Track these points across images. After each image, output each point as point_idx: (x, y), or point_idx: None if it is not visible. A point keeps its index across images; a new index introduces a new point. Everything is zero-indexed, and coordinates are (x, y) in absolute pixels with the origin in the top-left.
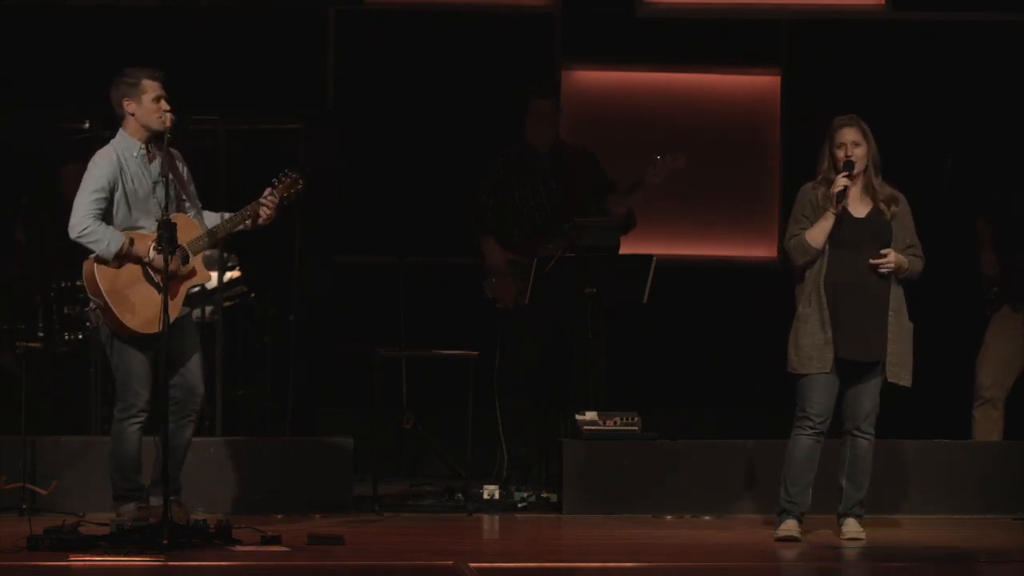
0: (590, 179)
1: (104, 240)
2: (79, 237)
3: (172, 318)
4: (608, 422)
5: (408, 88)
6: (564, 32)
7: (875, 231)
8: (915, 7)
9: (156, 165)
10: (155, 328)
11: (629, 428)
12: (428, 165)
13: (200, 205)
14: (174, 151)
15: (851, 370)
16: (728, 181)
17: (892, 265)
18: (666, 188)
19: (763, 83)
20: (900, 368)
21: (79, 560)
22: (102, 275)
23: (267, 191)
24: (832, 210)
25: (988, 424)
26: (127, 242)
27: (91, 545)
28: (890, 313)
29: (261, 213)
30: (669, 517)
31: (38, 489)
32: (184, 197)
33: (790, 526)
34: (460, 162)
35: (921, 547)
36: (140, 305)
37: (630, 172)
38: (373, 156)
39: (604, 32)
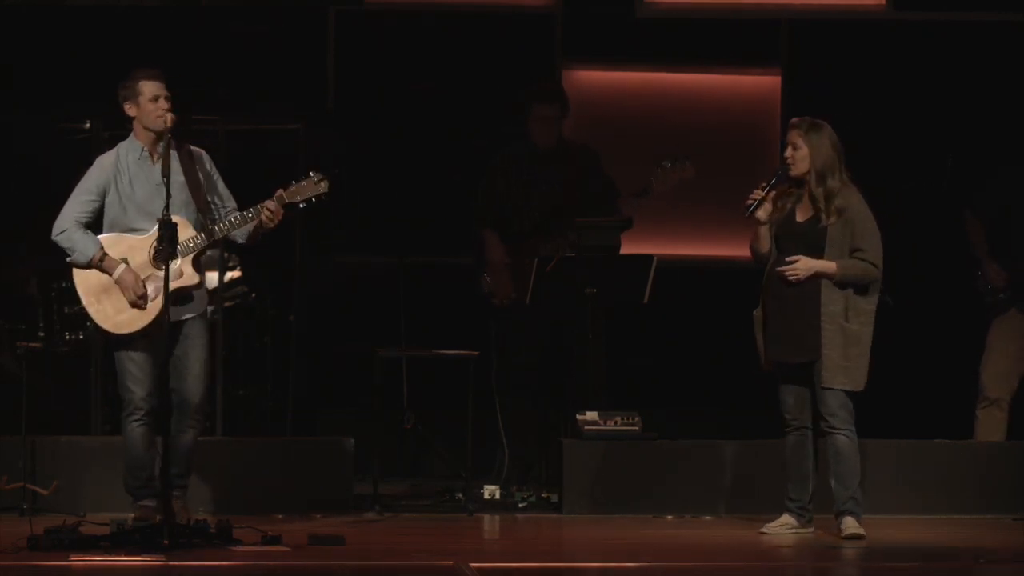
0: (592, 179)
1: (77, 249)
2: (56, 239)
3: (156, 320)
4: (608, 422)
5: (408, 88)
6: (564, 32)
7: (808, 237)
8: (915, 7)
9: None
10: (128, 329)
11: (629, 428)
12: (428, 165)
13: (232, 205)
14: (197, 150)
15: (801, 370)
16: (728, 181)
17: (798, 274)
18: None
19: (763, 83)
20: (833, 372)
21: (79, 560)
22: (79, 278)
23: (277, 191)
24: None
25: (992, 424)
26: (98, 255)
27: (91, 545)
28: (824, 317)
29: (263, 215)
30: (669, 517)
31: (38, 489)
32: (194, 199)
33: (781, 520)
34: (460, 162)
35: (921, 547)
36: (113, 307)
37: (631, 174)
38: (373, 156)
39: (604, 32)
